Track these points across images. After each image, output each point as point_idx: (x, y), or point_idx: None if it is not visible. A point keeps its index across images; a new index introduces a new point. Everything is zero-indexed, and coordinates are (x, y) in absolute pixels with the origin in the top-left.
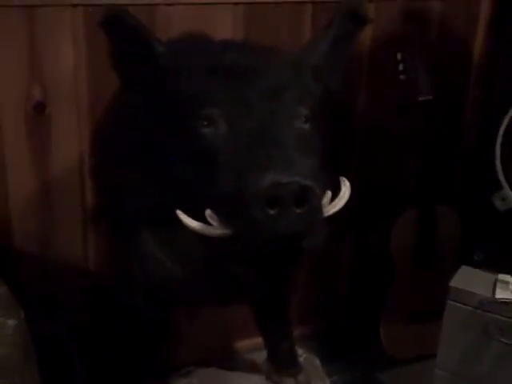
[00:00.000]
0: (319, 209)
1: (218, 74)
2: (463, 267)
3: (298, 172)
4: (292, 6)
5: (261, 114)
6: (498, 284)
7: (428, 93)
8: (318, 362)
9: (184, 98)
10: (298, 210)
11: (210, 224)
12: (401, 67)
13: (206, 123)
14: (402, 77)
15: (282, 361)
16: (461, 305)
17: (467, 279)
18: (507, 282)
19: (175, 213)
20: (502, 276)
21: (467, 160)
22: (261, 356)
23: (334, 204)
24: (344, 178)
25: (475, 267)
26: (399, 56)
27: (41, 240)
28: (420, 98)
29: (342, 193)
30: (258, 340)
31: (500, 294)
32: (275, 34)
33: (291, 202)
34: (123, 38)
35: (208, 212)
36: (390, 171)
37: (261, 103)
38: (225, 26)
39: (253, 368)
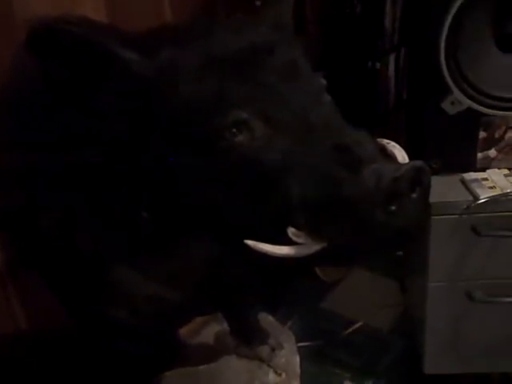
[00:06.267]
0: (430, 185)
1: (223, 65)
2: None
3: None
4: None
5: (294, 97)
6: (472, 184)
7: None
8: (270, 317)
9: (189, 109)
10: (414, 195)
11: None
12: None
13: (235, 131)
14: None
15: (251, 331)
16: (445, 216)
17: (437, 190)
18: (477, 180)
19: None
20: (466, 175)
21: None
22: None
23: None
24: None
25: (433, 174)
26: None
27: None
28: None
29: (402, 157)
30: None
31: (483, 194)
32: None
33: (410, 190)
34: (73, 62)
35: (292, 230)
36: None
37: (286, 84)
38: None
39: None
